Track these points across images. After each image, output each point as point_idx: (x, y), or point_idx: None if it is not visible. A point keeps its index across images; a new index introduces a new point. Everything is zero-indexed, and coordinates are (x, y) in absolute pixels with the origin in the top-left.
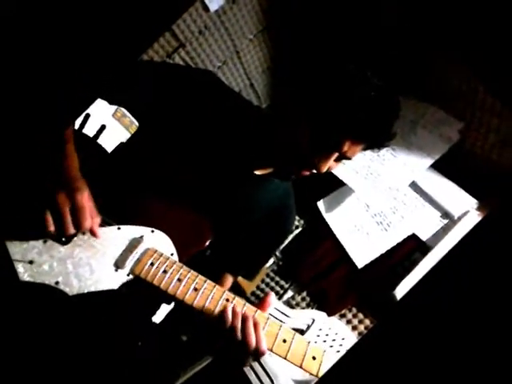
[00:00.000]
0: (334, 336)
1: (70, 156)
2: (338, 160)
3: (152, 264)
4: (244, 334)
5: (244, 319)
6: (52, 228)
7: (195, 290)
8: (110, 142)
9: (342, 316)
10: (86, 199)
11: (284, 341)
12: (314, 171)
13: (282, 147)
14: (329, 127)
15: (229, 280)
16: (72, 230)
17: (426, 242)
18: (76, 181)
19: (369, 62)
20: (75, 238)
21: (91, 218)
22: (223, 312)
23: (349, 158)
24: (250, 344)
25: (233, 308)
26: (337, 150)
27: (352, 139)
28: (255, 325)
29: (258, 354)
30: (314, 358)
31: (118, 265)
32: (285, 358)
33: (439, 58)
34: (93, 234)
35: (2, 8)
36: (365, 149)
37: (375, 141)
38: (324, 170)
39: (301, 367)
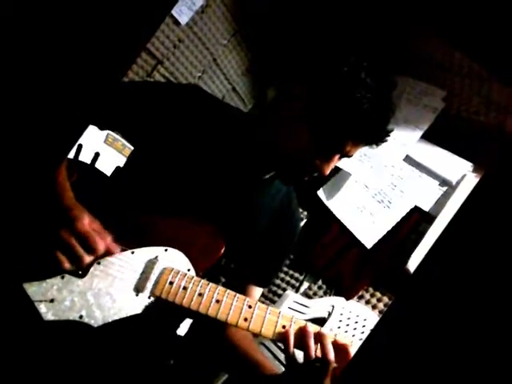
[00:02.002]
0: (355, 318)
1: (62, 186)
2: (338, 159)
3: (171, 283)
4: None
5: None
6: (67, 265)
7: (217, 302)
8: (106, 167)
9: (360, 297)
10: (87, 225)
11: None
12: (316, 174)
13: (282, 153)
14: (331, 132)
15: (255, 292)
16: (88, 259)
17: (430, 211)
18: (72, 210)
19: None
20: (91, 269)
21: (102, 239)
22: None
23: (349, 156)
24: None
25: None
26: (339, 152)
27: (353, 141)
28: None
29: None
30: None
31: (138, 289)
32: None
33: (411, 30)
34: (111, 252)
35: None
36: (364, 146)
37: (375, 138)
38: (327, 172)
39: None
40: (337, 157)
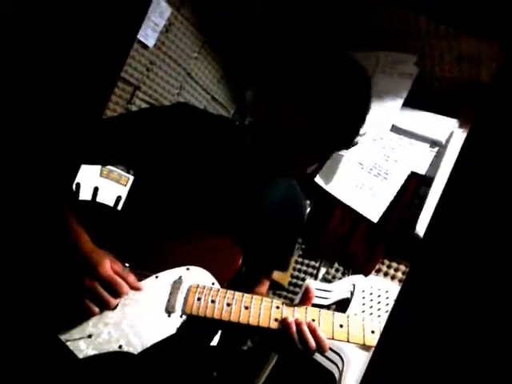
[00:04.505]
0: (377, 292)
1: (76, 231)
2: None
3: (199, 299)
4: (304, 341)
5: (299, 327)
6: (97, 311)
7: (246, 308)
8: (107, 200)
9: (378, 271)
10: (109, 269)
11: (341, 326)
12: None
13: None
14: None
15: (267, 283)
16: (115, 302)
17: (426, 174)
18: (92, 255)
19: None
20: (121, 300)
21: (125, 280)
22: (281, 327)
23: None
24: (312, 347)
25: (285, 321)
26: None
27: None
28: (312, 329)
29: (320, 352)
30: (372, 332)
31: (169, 310)
32: (347, 341)
33: (372, 4)
34: (136, 289)
35: None
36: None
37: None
38: (298, 176)
39: (364, 345)
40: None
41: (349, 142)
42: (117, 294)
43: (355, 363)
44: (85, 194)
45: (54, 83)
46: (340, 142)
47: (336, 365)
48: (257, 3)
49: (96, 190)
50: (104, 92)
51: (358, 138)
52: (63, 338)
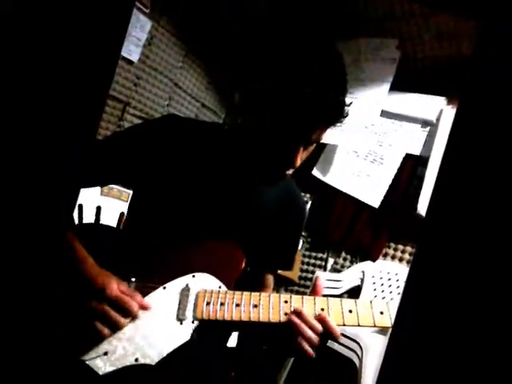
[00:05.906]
0: (387, 276)
1: (81, 255)
2: (307, 147)
3: (208, 303)
4: (316, 333)
5: (306, 322)
6: (107, 333)
7: (255, 306)
8: (110, 217)
9: (385, 255)
10: (116, 290)
11: (350, 311)
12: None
13: (254, 148)
14: (283, 126)
15: (271, 279)
16: (125, 322)
17: (421, 154)
18: (97, 278)
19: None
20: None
21: (132, 298)
22: (286, 325)
23: (318, 142)
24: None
25: (291, 319)
26: (301, 142)
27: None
28: (322, 320)
29: (333, 340)
30: (381, 313)
31: (180, 318)
32: (358, 325)
33: None
34: (144, 308)
35: None
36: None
37: (338, 117)
38: (298, 163)
39: (375, 326)
40: (301, 148)
41: (342, 114)
42: (127, 313)
43: (373, 349)
44: (88, 215)
45: (51, 89)
46: (334, 116)
47: (355, 352)
48: (256, 3)
49: (99, 209)
50: (95, 113)
51: (347, 109)
52: (81, 358)
